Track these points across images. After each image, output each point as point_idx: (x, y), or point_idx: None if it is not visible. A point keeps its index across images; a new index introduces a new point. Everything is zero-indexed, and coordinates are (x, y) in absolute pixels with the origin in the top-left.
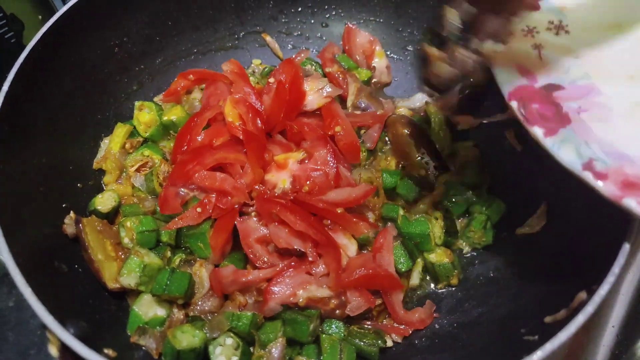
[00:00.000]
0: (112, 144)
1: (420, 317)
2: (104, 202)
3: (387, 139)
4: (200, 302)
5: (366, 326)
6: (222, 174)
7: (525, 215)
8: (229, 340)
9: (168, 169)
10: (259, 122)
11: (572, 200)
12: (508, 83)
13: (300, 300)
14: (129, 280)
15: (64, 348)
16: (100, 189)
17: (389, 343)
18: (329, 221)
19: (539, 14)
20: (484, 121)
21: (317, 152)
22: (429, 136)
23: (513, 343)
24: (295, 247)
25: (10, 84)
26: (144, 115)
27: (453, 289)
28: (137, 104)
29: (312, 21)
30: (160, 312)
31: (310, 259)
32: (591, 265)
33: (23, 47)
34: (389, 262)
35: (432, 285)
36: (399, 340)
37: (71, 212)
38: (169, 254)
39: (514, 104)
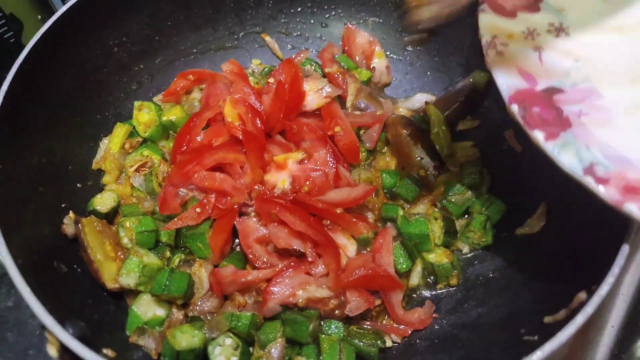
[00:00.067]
0: (112, 144)
1: (419, 317)
2: (103, 202)
3: (386, 139)
4: (199, 303)
5: (365, 326)
6: (221, 174)
7: (525, 215)
8: (229, 341)
9: (167, 169)
10: (259, 122)
11: (572, 201)
12: (508, 86)
13: (300, 300)
14: (128, 280)
15: (63, 348)
16: (99, 189)
17: (389, 343)
18: (328, 221)
19: (540, 16)
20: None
21: (317, 153)
22: (429, 136)
23: (513, 343)
24: (295, 247)
25: (9, 84)
26: (144, 115)
27: (453, 289)
28: (136, 104)
29: (312, 21)
30: (160, 312)
31: (309, 259)
32: (591, 265)
33: (22, 47)
34: (388, 263)
35: (432, 285)
36: (399, 341)
37: (70, 212)
38: (168, 254)
39: (514, 108)
